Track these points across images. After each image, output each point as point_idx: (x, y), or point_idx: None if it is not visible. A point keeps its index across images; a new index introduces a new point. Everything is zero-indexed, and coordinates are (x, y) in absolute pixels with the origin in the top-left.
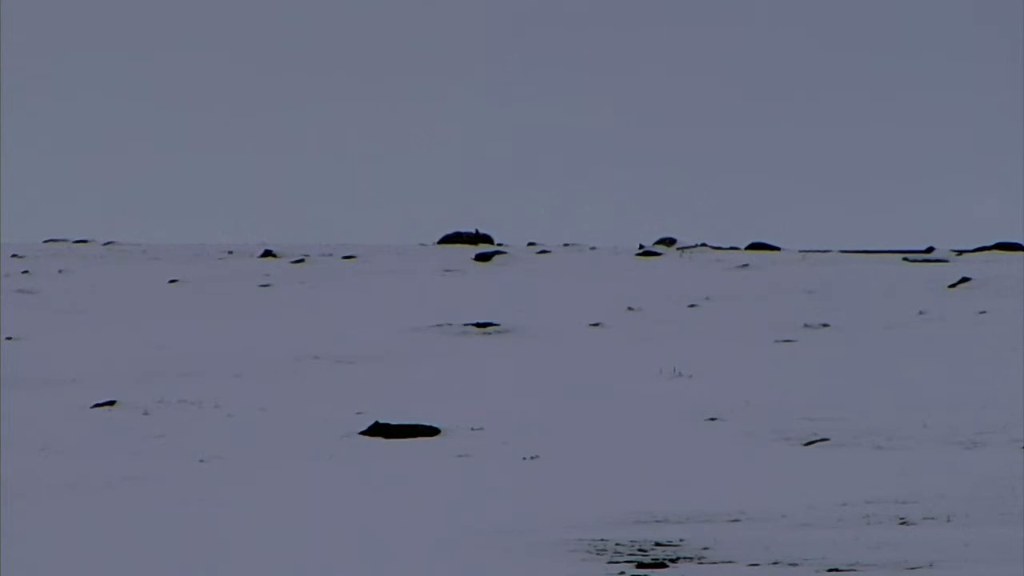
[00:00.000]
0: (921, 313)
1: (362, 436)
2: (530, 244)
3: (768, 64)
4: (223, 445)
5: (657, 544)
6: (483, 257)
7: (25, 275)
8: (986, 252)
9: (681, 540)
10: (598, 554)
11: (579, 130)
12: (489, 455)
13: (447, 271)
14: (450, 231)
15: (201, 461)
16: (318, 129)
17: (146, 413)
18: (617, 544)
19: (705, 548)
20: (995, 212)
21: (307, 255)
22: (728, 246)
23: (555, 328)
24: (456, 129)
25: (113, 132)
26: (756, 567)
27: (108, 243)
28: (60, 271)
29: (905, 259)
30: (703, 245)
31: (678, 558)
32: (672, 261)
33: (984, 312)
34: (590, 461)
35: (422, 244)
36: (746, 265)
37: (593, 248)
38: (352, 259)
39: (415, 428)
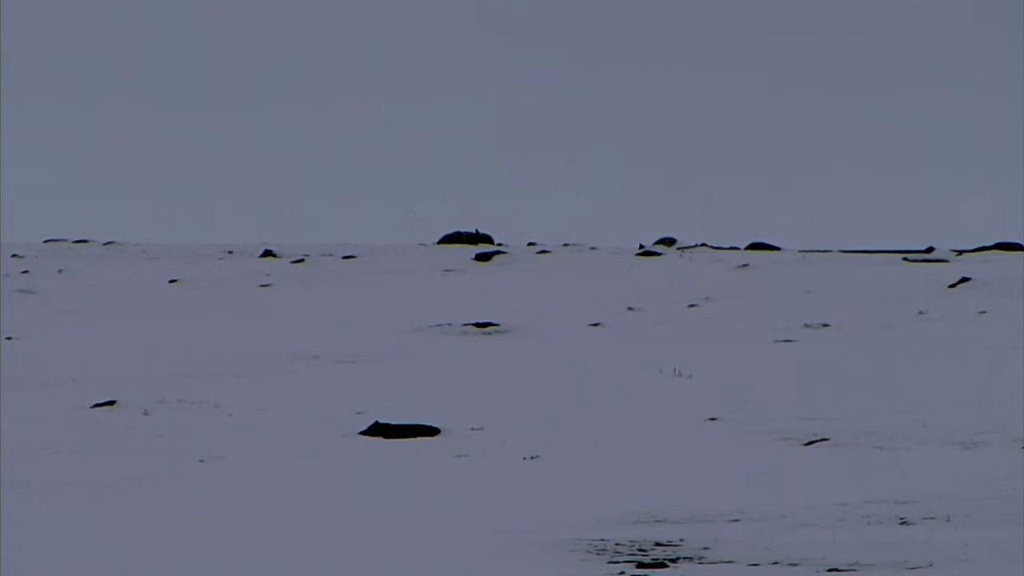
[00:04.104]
0: (921, 313)
1: (362, 436)
2: (530, 244)
3: (768, 64)
4: (223, 445)
5: (657, 544)
6: (483, 257)
7: (25, 275)
8: (986, 252)
9: (681, 540)
10: (598, 554)
11: (579, 130)
12: (489, 455)
13: (447, 271)
14: (450, 231)
15: (201, 461)
16: (318, 129)
17: (146, 413)
18: (617, 544)
19: (705, 548)
20: (989, 205)
21: (307, 255)
22: (728, 246)
23: (555, 328)
24: (456, 129)
25: (113, 132)
26: (756, 567)
27: (108, 243)
28: (60, 271)
29: (905, 259)
30: (703, 245)
31: (678, 558)
32: (672, 261)
33: (984, 312)
34: (590, 461)
35: (422, 244)
36: (746, 265)
37: (593, 248)
38: (352, 259)
39: (415, 428)
